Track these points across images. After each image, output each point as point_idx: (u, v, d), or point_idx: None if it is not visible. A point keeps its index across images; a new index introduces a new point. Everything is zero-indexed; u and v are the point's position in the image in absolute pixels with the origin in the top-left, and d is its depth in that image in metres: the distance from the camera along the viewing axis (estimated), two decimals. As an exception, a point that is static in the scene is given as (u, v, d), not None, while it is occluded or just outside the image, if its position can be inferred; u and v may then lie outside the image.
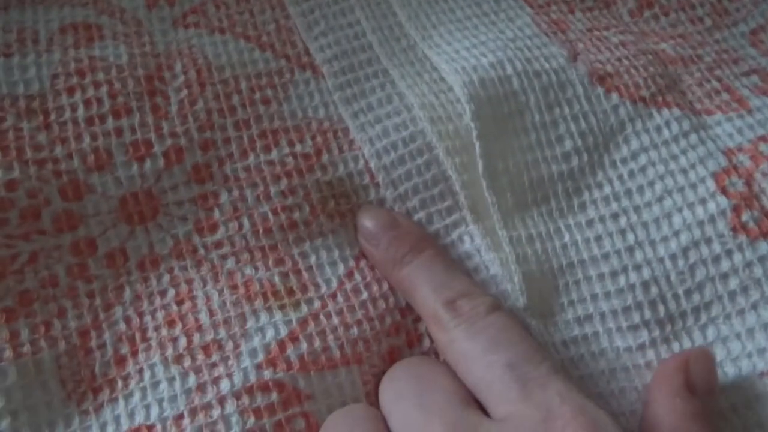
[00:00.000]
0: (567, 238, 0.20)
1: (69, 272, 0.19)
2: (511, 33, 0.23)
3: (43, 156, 0.20)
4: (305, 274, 0.20)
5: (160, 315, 0.19)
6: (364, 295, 0.20)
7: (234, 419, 0.17)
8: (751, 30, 0.24)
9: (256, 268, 0.20)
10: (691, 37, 0.23)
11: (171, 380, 0.18)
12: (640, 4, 0.24)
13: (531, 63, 0.22)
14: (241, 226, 0.20)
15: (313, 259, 0.20)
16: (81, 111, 0.20)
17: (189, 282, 0.19)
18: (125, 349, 0.19)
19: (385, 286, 0.20)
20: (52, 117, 0.20)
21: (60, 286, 0.19)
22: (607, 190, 0.20)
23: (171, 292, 0.19)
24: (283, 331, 0.19)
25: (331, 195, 0.21)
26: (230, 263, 0.20)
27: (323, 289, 0.20)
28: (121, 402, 0.18)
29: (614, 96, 0.21)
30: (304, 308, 0.19)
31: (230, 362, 0.18)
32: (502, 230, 0.20)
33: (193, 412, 0.18)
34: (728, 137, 0.21)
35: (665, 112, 0.21)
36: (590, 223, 0.20)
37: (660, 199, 0.20)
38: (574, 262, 0.20)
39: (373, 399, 0.19)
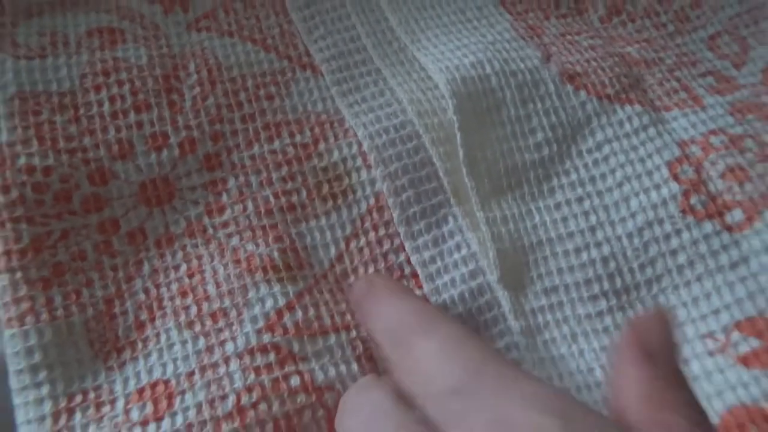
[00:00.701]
0: (537, 219, 0.22)
1: (96, 248, 0.22)
2: (491, 37, 0.25)
3: (73, 146, 0.22)
4: (301, 253, 0.22)
5: (174, 287, 0.22)
6: (351, 278, 0.22)
7: (237, 376, 0.20)
8: (710, 36, 0.26)
9: (257, 245, 0.22)
10: (654, 41, 0.26)
11: (183, 343, 0.21)
12: (609, 11, 0.26)
13: (508, 63, 0.24)
14: (245, 208, 0.23)
15: (308, 240, 0.22)
16: (106, 106, 0.23)
17: (199, 258, 0.22)
18: (144, 316, 0.21)
19: (371, 269, 0.22)
20: (81, 111, 0.23)
21: (88, 260, 0.22)
22: (574, 176, 0.23)
23: (183, 267, 0.22)
24: (281, 302, 0.21)
25: (326, 179, 0.23)
26: (235, 241, 0.22)
27: (316, 268, 0.22)
28: (141, 360, 0.21)
29: (582, 93, 0.24)
30: (300, 283, 0.22)
31: (234, 328, 0.21)
32: (479, 212, 0.22)
33: (202, 370, 0.20)
34: (683, 130, 0.23)
35: (627, 108, 0.23)
36: (558, 206, 0.23)
37: (620, 185, 0.22)
38: (543, 240, 0.22)
39: (362, 361, 0.21)
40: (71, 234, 0.22)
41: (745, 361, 0.20)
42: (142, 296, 0.22)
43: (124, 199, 0.22)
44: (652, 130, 0.23)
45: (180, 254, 0.22)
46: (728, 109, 0.23)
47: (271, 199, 0.23)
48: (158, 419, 0.19)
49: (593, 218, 0.22)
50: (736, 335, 0.20)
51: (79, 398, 0.20)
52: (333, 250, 0.22)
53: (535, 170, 0.23)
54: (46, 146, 0.22)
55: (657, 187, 0.22)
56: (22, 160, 0.22)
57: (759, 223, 0.21)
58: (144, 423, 0.19)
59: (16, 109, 0.22)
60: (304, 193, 0.23)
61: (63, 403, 0.20)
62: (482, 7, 0.26)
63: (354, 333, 0.21)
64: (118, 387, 0.20)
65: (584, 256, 0.22)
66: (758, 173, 0.22)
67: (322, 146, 0.24)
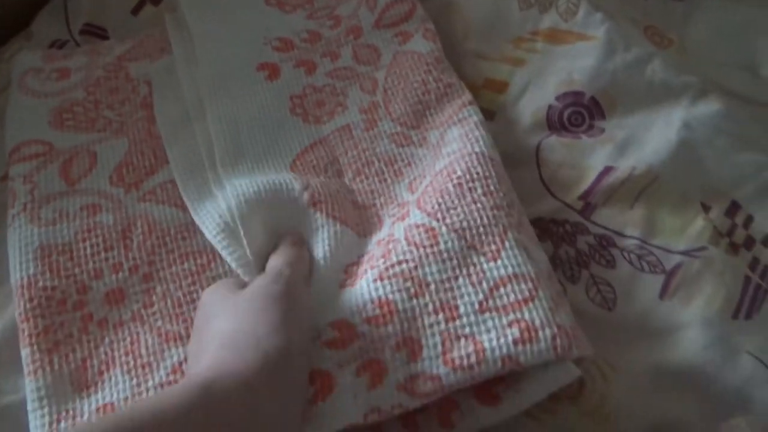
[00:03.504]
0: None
1: (79, 331, 0.38)
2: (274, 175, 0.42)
3: (69, 273, 0.40)
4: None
5: (122, 350, 0.38)
6: None
7: None
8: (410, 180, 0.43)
9: (172, 324, 0.38)
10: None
11: (124, 382, 0.36)
12: (355, 174, 0.44)
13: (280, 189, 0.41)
14: (166, 304, 0.39)
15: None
16: (88, 250, 0.40)
17: (138, 333, 0.38)
18: (104, 367, 0.37)
19: None
20: (74, 254, 0.40)
21: (74, 338, 0.38)
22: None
23: (128, 339, 0.38)
24: (182, 357, 0.37)
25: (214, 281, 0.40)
26: (159, 323, 0.39)
27: None
28: (100, 393, 0.36)
29: (318, 214, 0.40)
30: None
31: (154, 372, 0.37)
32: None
33: (134, 396, 0.36)
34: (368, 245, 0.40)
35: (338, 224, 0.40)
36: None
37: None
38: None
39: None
40: (65, 324, 0.38)
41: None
42: (103, 356, 0.38)
43: (96, 302, 0.39)
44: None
45: (127, 331, 0.39)
46: (390, 224, 0.40)
47: (182, 297, 0.39)
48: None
49: None
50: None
51: (63, 414, 0.36)
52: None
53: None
54: (54, 275, 0.39)
55: (335, 273, 0.38)
56: (41, 283, 0.39)
57: (366, 276, 0.36)
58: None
59: (38, 255, 0.40)
60: (200, 291, 0.40)
61: (55, 416, 0.35)
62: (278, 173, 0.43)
63: None
64: (86, 408, 0.36)
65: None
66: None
67: (212, 265, 0.41)
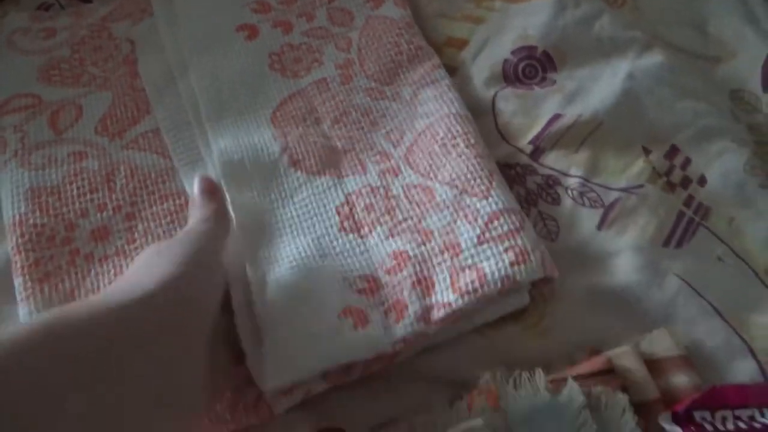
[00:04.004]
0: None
1: (67, 264, 0.42)
2: (257, 138, 0.46)
3: (57, 212, 0.43)
4: None
5: (106, 281, 0.41)
6: None
7: None
8: (387, 131, 0.47)
9: None
10: (353, 137, 0.46)
11: None
12: (333, 122, 0.47)
13: (258, 150, 0.45)
14: (147, 240, 0.43)
15: None
16: (75, 192, 0.44)
17: (120, 266, 0.42)
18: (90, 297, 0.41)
19: None
20: (62, 195, 0.44)
21: (62, 270, 0.41)
22: (287, 218, 0.43)
23: (112, 271, 0.42)
24: None
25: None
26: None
27: None
28: None
29: (299, 173, 0.44)
30: None
31: None
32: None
33: None
34: (351, 187, 0.43)
35: (322, 178, 0.44)
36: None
37: (310, 219, 0.42)
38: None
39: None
40: (54, 257, 0.42)
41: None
42: (89, 286, 0.41)
43: (83, 238, 0.43)
44: (333, 189, 0.44)
45: (111, 264, 0.42)
46: (378, 172, 0.43)
47: (162, 233, 0.43)
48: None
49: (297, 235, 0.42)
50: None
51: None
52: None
53: (265, 216, 0.43)
54: (43, 213, 0.43)
55: (327, 213, 0.42)
56: (31, 221, 0.42)
57: (375, 233, 0.41)
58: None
59: (29, 196, 0.44)
60: (178, 228, 0.43)
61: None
62: (259, 126, 0.47)
63: None
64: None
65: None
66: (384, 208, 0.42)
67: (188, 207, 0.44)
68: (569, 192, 0.45)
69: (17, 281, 0.41)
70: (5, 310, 0.42)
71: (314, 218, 0.43)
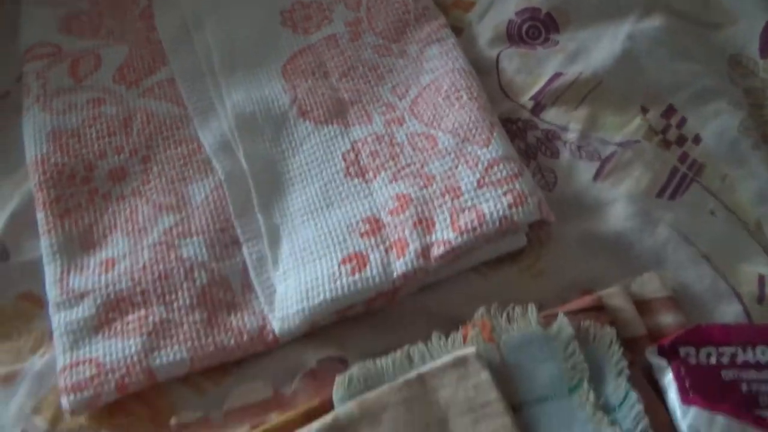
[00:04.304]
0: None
1: (86, 201, 0.44)
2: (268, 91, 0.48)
3: (76, 153, 0.45)
4: (186, 199, 0.44)
5: (122, 218, 0.43)
6: None
7: (148, 252, 0.41)
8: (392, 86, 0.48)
9: (165, 197, 0.44)
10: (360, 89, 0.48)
11: (122, 240, 0.42)
12: (341, 75, 0.49)
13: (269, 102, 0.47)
14: (160, 180, 0.45)
15: (190, 190, 0.44)
16: (93, 134, 0.46)
17: (136, 205, 0.44)
18: (108, 231, 0.43)
19: None
20: (81, 137, 0.46)
21: (82, 207, 0.44)
22: (295, 165, 0.45)
23: (128, 209, 0.44)
24: (173, 222, 0.43)
25: (203, 163, 0.45)
26: (154, 196, 0.44)
27: (190, 206, 0.44)
28: (104, 249, 0.42)
29: (307, 122, 0.46)
30: (182, 212, 0.43)
31: (149, 235, 0.42)
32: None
33: (131, 251, 0.41)
34: (358, 134, 0.45)
35: (329, 127, 0.46)
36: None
37: (319, 166, 0.45)
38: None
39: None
40: (74, 195, 0.44)
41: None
42: (106, 223, 0.44)
43: (101, 178, 0.45)
44: (339, 137, 0.45)
45: (127, 203, 0.44)
46: (383, 122, 0.45)
47: (175, 175, 0.45)
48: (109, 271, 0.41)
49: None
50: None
51: (72, 267, 0.41)
52: (202, 194, 0.44)
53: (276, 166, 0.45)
54: (64, 154, 0.45)
55: (334, 159, 0.44)
56: (52, 160, 0.45)
57: (379, 178, 0.43)
58: (100, 273, 0.41)
59: (50, 138, 0.46)
60: (192, 169, 0.45)
61: (66, 268, 0.41)
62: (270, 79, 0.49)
63: None
64: (91, 262, 0.42)
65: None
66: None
67: (202, 149, 0.46)
68: (568, 146, 0.46)
69: (39, 216, 0.43)
70: (28, 245, 0.44)
71: (322, 165, 0.45)
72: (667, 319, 0.38)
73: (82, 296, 0.40)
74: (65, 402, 0.36)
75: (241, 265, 0.42)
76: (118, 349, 0.38)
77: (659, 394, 0.36)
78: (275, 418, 0.36)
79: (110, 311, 0.39)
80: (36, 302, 0.42)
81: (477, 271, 0.41)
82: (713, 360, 0.36)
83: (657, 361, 0.36)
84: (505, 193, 0.40)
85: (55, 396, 0.38)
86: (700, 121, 0.48)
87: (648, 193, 0.44)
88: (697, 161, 0.46)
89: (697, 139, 0.47)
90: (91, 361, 0.37)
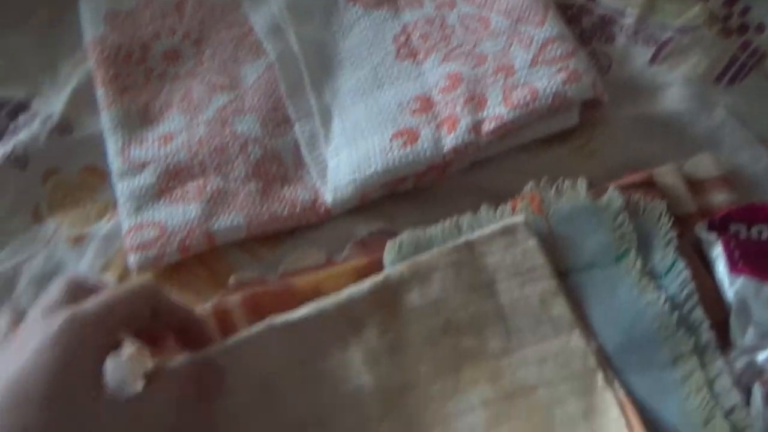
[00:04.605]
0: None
1: (143, 78, 0.45)
2: None
3: (130, 36, 0.46)
4: (239, 79, 0.45)
5: (178, 97, 0.44)
6: None
7: (203, 128, 0.42)
8: None
9: (219, 77, 0.45)
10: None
11: (178, 116, 0.43)
12: None
13: None
14: (214, 62, 0.46)
15: (243, 71, 0.45)
16: (149, 16, 0.47)
17: (191, 85, 0.45)
18: (165, 108, 0.44)
19: None
20: (135, 19, 0.47)
21: (138, 85, 0.45)
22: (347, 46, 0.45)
23: (184, 88, 0.45)
24: (227, 100, 0.44)
25: (256, 44, 0.46)
26: (208, 77, 0.45)
27: (241, 86, 0.44)
28: (162, 124, 0.43)
29: (357, 6, 0.46)
30: (236, 91, 0.44)
31: (203, 113, 0.43)
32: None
33: (189, 127, 0.43)
34: (408, 18, 0.44)
35: (379, 11, 0.45)
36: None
37: (369, 46, 0.44)
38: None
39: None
40: (131, 75, 0.45)
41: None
42: (163, 100, 0.45)
43: (156, 59, 0.46)
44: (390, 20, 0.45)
45: (182, 83, 0.45)
46: (434, 5, 0.45)
47: (228, 57, 0.46)
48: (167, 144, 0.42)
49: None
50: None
51: (133, 140, 0.43)
52: (254, 75, 0.45)
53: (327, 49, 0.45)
54: (120, 35, 0.46)
55: (385, 42, 0.44)
56: (109, 40, 0.46)
57: (430, 59, 0.43)
58: (159, 146, 0.42)
59: (107, 20, 0.47)
60: (244, 51, 0.46)
61: (127, 140, 0.43)
62: None
63: None
64: (150, 136, 0.43)
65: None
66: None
67: (253, 32, 0.46)
68: (624, 31, 0.45)
69: (99, 92, 0.45)
70: (90, 120, 0.45)
71: (372, 47, 0.45)
72: (720, 197, 0.38)
73: (143, 166, 0.41)
74: (132, 260, 0.38)
75: (293, 143, 0.43)
76: (179, 213, 0.39)
77: (708, 268, 0.36)
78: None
79: (170, 180, 0.41)
80: (99, 175, 0.44)
81: (527, 150, 0.41)
82: (765, 236, 0.36)
83: (707, 235, 0.36)
84: (559, 71, 0.40)
85: (121, 258, 0.40)
86: (765, 8, 0.46)
87: (705, 77, 0.42)
88: (760, 49, 0.44)
89: (761, 28, 0.45)
90: (154, 224, 0.39)
